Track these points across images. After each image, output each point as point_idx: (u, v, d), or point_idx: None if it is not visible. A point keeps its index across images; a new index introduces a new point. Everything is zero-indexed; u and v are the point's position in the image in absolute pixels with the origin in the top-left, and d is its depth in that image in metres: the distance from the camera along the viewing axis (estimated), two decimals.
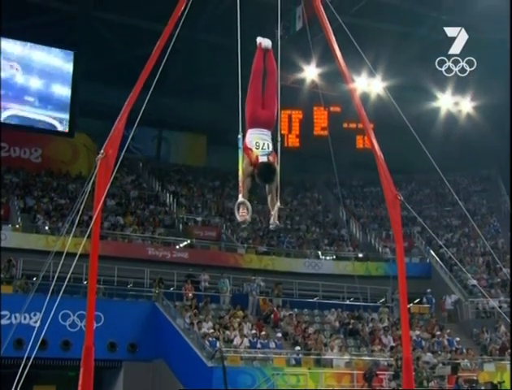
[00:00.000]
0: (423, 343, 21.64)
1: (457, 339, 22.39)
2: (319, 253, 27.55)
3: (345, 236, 29.39)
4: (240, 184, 6.96)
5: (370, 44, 19.00)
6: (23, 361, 6.13)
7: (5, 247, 20.39)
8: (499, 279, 26.07)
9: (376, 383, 18.44)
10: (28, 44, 27.84)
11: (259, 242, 27.11)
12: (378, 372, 18.75)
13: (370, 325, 22.41)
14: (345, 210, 31.69)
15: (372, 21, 27.12)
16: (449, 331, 23.05)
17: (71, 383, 16.69)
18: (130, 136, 7.63)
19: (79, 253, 6.43)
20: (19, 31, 27.00)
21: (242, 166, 6.98)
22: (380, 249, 28.79)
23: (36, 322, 16.70)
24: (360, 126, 26.38)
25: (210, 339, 18.61)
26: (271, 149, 7.06)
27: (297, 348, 19.89)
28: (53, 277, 6.82)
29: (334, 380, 18.56)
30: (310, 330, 20.94)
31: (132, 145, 30.98)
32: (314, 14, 8.36)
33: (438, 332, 22.57)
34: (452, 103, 30.63)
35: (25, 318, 17.39)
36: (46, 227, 23.17)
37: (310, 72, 28.39)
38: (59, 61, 28.42)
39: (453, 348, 21.62)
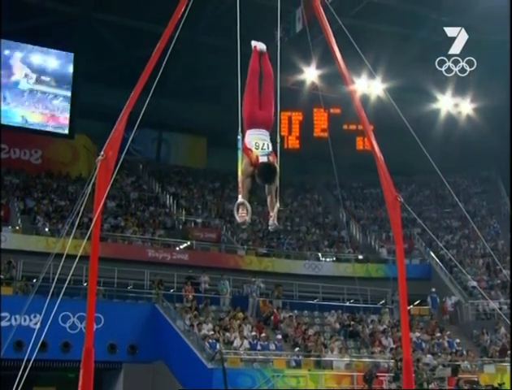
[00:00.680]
0: (423, 344, 21.64)
1: (458, 340, 22.38)
2: (319, 254, 27.54)
3: (345, 238, 29.38)
4: (240, 185, 6.98)
5: (370, 45, 18.97)
6: (23, 363, 6.11)
7: (5, 248, 20.38)
8: (499, 281, 26.06)
9: (376, 384, 18.43)
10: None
11: (259, 244, 27.12)
12: (378, 374, 18.76)
13: (371, 327, 22.40)
14: (345, 212, 31.68)
15: (372, 23, 27.09)
16: (449, 332, 23.04)
17: (71, 384, 16.73)
18: (130, 138, 7.65)
19: (79, 254, 6.42)
20: (19, 33, 27.00)
21: (242, 166, 7.01)
22: (380, 250, 28.79)
23: (36, 323, 16.74)
24: (360, 127, 26.33)
25: (210, 340, 18.61)
26: (270, 149, 7.10)
27: (297, 349, 19.90)
28: (53, 279, 6.83)
29: (334, 382, 18.55)
30: (310, 331, 20.93)
31: (132, 146, 31.02)
32: (313, 15, 8.39)
33: (438, 334, 22.57)
34: (452, 105, 30.61)
35: (25, 320, 17.42)
36: (46, 229, 23.16)
37: (310, 74, 28.38)
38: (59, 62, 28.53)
39: (454, 350, 21.62)
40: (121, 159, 7.27)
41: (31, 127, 27.89)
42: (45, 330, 6.78)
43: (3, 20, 22.90)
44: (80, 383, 6.77)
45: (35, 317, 17.26)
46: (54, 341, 17.13)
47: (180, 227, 26.93)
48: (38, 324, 14.32)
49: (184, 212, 28.15)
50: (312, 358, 19.36)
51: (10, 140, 27.77)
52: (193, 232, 26.30)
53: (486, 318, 24.60)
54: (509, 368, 19.08)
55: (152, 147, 34.64)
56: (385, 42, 26.28)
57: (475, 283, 24.81)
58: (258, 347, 19.33)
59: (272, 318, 21.62)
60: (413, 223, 28.77)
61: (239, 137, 7.11)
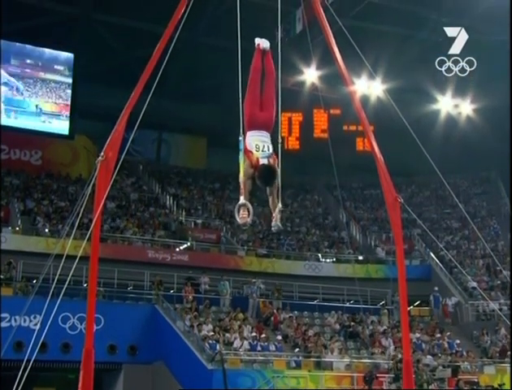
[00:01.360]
0: (423, 345, 21.63)
1: (458, 341, 22.36)
2: (319, 255, 27.53)
3: (345, 239, 29.36)
4: (242, 186, 6.96)
5: (370, 46, 18.96)
6: (23, 364, 6.12)
7: (5, 249, 20.39)
8: (499, 282, 26.05)
9: (376, 385, 18.42)
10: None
11: (259, 244, 27.12)
12: (378, 375, 18.75)
13: (371, 327, 22.40)
14: (345, 213, 31.67)
15: (372, 23, 27.08)
16: (449, 333, 23.04)
17: (70, 385, 16.77)
18: (130, 139, 7.63)
19: (79, 255, 6.42)
20: (19, 33, 27.00)
21: (243, 167, 6.98)
22: (377, 250, 28.80)
23: (36, 324, 16.73)
24: (360, 128, 26.32)
25: (210, 341, 18.60)
26: (271, 151, 7.07)
27: (297, 350, 19.89)
28: (53, 279, 6.81)
29: (334, 383, 18.55)
30: (310, 332, 20.93)
31: (132, 147, 31.03)
32: (314, 16, 8.39)
33: (438, 335, 22.55)
34: (452, 105, 30.61)
35: (25, 321, 17.43)
36: (46, 230, 23.15)
37: (310, 75, 28.37)
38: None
39: (454, 351, 21.59)
40: (121, 160, 7.26)
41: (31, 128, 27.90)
42: (45, 330, 6.79)
43: (3, 21, 22.89)
44: (80, 384, 6.77)
45: (35, 317, 17.25)
46: (54, 342, 17.13)
47: (180, 227, 26.91)
48: (38, 325, 14.30)
49: (184, 213, 28.15)
50: (312, 359, 19.35)
51: (10, 140, 27.77)
52: (193, 233, 26.29)
53: (486, 319, 24.60)
54: (509, 369, 19.05)
55: (152, 148, 34.64)
56: (385, 43, 26.28)
57: (475, 284, 24.80)
58: (258, 348, 19.32)
59: (272, 318, 21.61)
60: (413, 223, 28.76)
61: (240, 138, 7.07)
